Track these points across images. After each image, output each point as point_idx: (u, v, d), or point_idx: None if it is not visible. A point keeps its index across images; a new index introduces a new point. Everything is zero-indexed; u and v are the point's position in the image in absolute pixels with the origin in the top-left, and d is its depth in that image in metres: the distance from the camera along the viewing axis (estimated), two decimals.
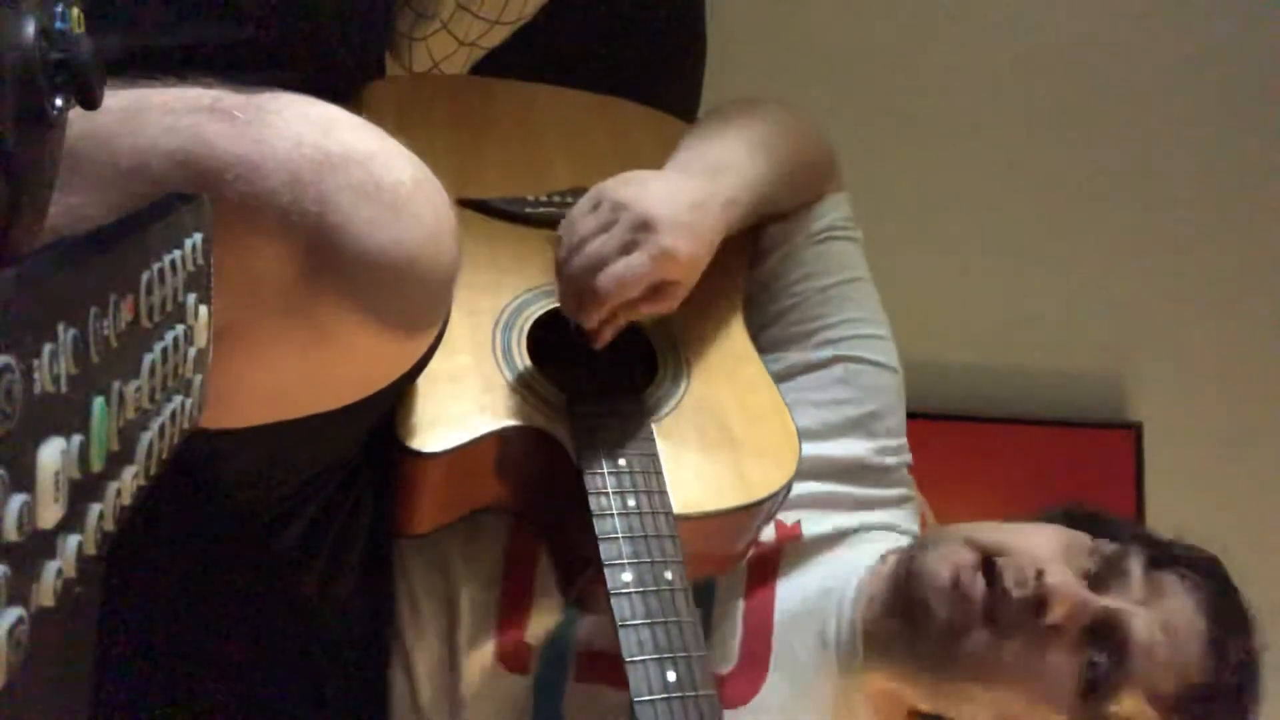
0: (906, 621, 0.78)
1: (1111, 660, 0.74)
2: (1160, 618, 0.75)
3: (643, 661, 0.62)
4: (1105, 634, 0.75)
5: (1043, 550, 0.77)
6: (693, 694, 0.61)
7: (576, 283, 0.74)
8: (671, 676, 0.62)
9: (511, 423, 0.73)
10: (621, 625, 0.64)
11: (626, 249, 0.73)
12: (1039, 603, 0.74)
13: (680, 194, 0.77)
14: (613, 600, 0.65)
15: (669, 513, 0.70)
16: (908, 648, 0.79)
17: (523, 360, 0.78)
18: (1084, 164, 1.63)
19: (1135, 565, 0.77)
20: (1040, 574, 0.75)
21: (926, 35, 1.59)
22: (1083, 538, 0.81)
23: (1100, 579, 0.77)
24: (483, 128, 0.98)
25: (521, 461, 0.75)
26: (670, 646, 0.63)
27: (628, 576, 0.66)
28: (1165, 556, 0.79)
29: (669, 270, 0.74)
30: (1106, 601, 0.75)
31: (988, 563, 0.77)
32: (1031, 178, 1.62)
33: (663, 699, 0.61)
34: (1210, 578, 0.80)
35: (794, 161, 0.91)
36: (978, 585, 0.76)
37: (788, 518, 0.86)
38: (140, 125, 0.49)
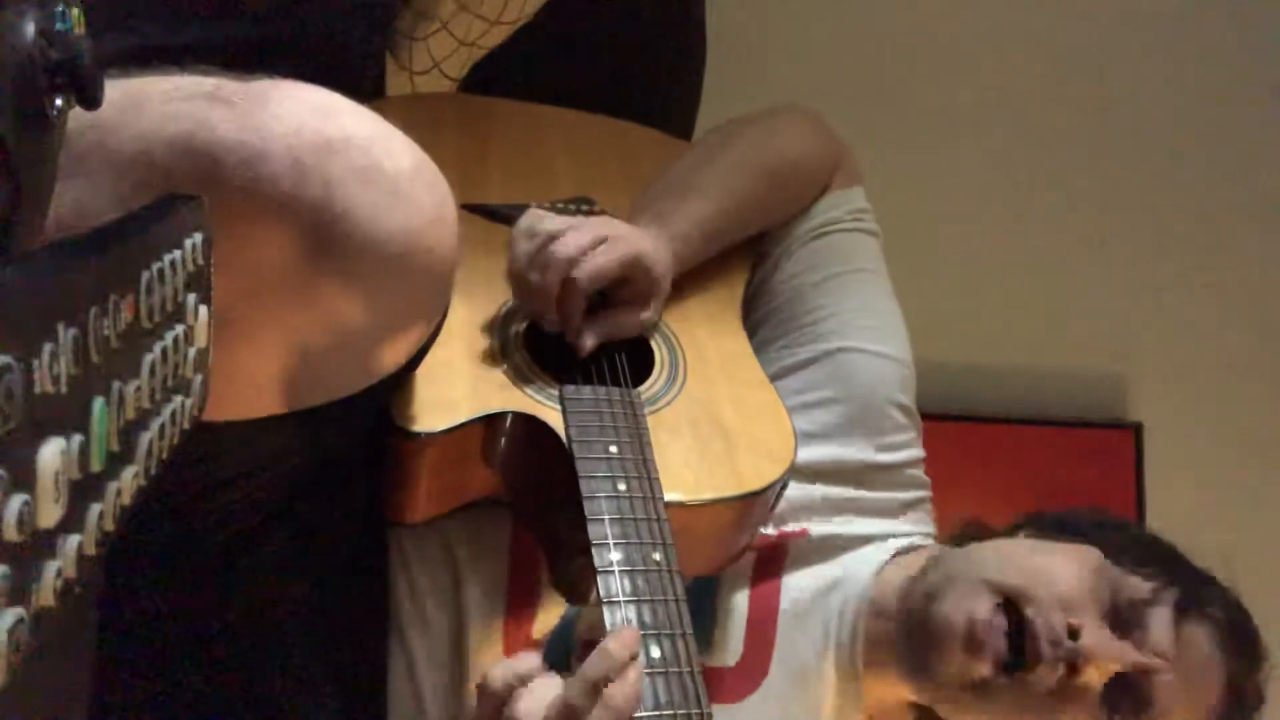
0: (917, 660, 0.78)
1: (1130, 716, 0.75)
2: (1185, 670, 0.75)
3: None
4: (1129, 688, 0.75)
5: (1072, 593, 0.75)
6: (677, 670, 0.61)
7: (549, 274, 0.76)
8: (656, 653, 0.61)
9: (505, 408, 0.74)
10: (606, 602, 0.63)
11: (596, 244, 0.77)
12: (1071, 665, 0.73)
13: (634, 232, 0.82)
14: (599, 578, 0.64)
15: (660, 498, 0.70)
16: (916, 675, 0.79)
17: (519, 352, 0.79)
18: (1084, 164, 1.63)
19: (1165, 615, 0.76)
20: (1074, 633, 0.73)
21: (927, 36, 1.59)
22: (1110, 568, 0.79)
23: (1125, 621, 0.76)
24: (488, 144, 0.99)
25: (515, 447, 0.75)
26: (655, 624, 0.63)
27: (615, 556, 0.66)
28: (1193, 599, 0.78)
29: (637, 266, 0.79)
30: (1135, 656, 0.74)
31: (1010, 603, 0.75)
32: (1032, 178, 1.62)
33: (645, 673, 0.60)
34: (1233, 617, 0.79)
35: (770, 182, 0.92)
36: (995, 639, 0.74)
37: (792, 526, 0.85)
38: (142, 114, 0.49)
